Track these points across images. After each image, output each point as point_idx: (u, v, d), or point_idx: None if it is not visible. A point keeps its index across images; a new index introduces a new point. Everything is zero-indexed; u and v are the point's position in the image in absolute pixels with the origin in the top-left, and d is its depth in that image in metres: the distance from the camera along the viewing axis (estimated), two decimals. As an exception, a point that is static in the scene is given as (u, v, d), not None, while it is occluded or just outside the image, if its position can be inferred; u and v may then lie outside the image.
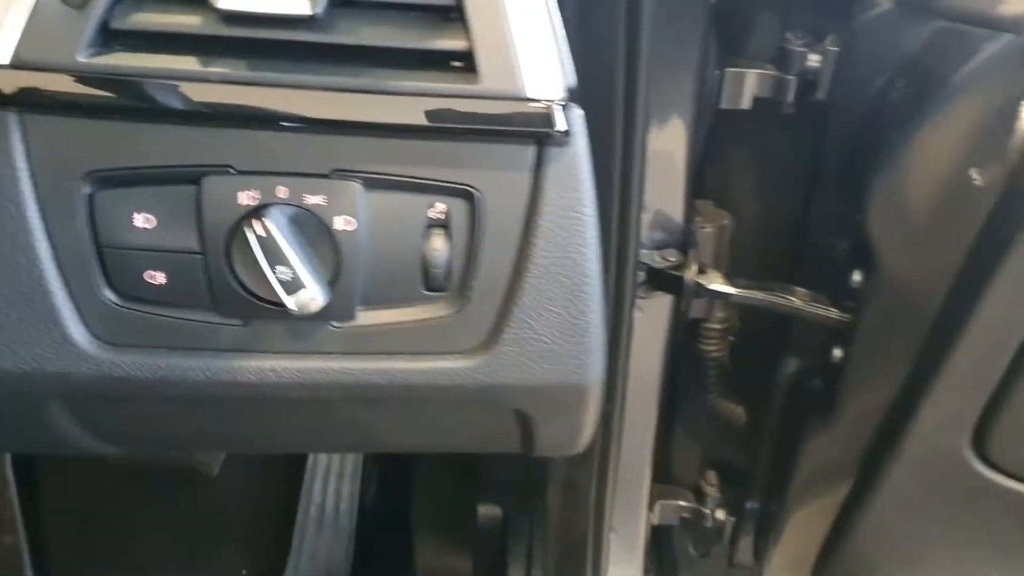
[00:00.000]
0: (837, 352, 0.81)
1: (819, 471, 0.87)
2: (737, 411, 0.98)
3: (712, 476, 1.06)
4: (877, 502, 0.80)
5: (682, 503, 1.06)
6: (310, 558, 1.22)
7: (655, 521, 1.08)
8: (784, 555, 0.95)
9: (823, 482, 0.88)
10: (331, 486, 1.21)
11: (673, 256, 0.82)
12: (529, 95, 0.44)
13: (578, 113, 0.45)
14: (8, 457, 1.20)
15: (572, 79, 0.45)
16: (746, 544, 1.03)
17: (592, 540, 0.96)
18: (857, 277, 0.76)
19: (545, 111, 0.44)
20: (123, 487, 1.22)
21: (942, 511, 0.80)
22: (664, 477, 1.06)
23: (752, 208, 0.88)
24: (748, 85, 0.78)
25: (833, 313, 0.80)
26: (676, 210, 0.81)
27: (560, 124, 0.44)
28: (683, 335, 0.91)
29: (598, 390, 0.51)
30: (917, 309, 0.71)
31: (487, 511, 1.02)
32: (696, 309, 0.85)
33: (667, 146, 0.76)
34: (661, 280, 0.83)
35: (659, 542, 1.15)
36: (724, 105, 0.80)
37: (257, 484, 1.22)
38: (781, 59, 0.78)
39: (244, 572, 1.25)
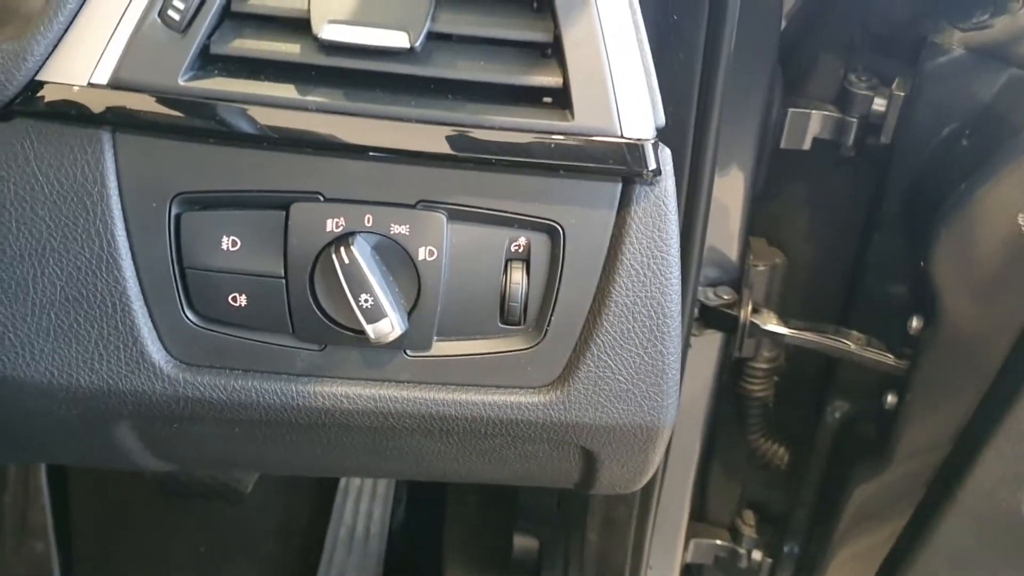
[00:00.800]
0: (891, 398, 0.80)
1: (865, 516, 0.86)
2: (779, 452, 0.97)
3: (749, 516, 1.04)
4: (927, 552, 0.79)
5: (718, 542, 1.05)
6: (338, 579, 1.21)
7: (688, 559, 1.07)
8: (826, 599, 0.94)
9: (869, 527, 0.87)
10: (362, 508, 1.21)
11: (727, 294, 0.82)
12: (622, 133, 0.44)
13: (667, 152, 0.45)
14: (43, 467, 1.21)
15: (661, 118, 0.45)
16: (784, 585, 1.02)
17: (631, 568, 0.95)
18: (916, 323, 0.75)
19: (637, 149, 0.44)
20: (154, 501, 1.22)
21: (994, 563, 0.78)
22: (699, 515, 1.05)
23: (805, 248, 0.88)
24: (810, 126, 0.78)
25: (888, 358, 0.79)
26: (732, 248, 0.81)
27: (651, 163, 0.44)
28: (727, 374, 0.90)
29: (669, 432, 0.51)
30: (979, 358, 0.70)
31: (522, 541, 1.01)
32: (744, 348, 0.85)
33: (727, 184, 0.76)
34: (713, 318, 0.83)
35: (689, 581, 1.14)
36: (784, 145, 0.80)
37: (288, 504, 1.22)
38: (844, 101, 0.78)
39: (270, 592, 1.25)
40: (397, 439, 0.54)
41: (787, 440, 0.96)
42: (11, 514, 1.21)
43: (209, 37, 0.44)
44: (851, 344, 0.80)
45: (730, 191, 0.77)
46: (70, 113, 0.43)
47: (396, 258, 0.46)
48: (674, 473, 0.90)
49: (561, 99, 0.44)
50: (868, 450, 0.84)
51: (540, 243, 0.47)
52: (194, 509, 1.21)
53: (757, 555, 1.03)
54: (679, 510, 0.95)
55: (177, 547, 1.24)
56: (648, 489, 0.88)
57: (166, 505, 1.23)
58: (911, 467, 0.79)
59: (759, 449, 0.97)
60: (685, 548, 1.03)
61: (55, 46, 0.44)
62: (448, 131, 0.44)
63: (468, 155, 0.44)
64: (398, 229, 0.46)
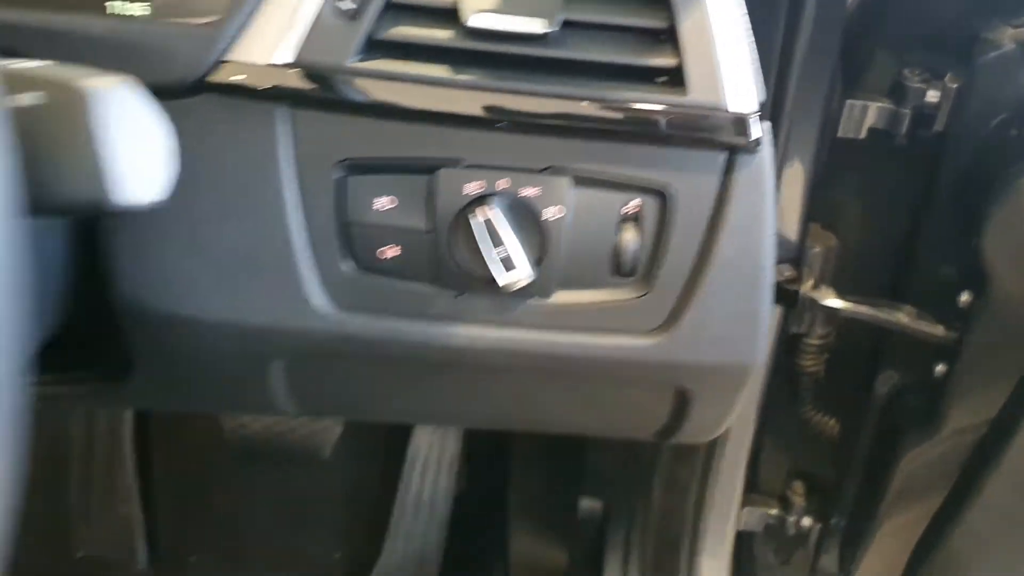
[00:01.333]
0: (940, 368, 0.86)
1: (914, 483, 0.92)
2: (829, 424, 1.03)
3: (799, 486, 1.11)
4: (973, 511, 0.85)
5: (769, 511, 1.11)
6: (404, 544, 1.28)
7: (740, 526, 1.13)
8: (873, 564, 1.00)
9: (917, 493, 0.93)
10: (429, 476, 1.28)
11: (787, 271, 0.89)
12: (728, 108, 0.51)
13: (767, 125, 0.52)
14: (128, 432, 1.29)
15: (762, 95, 0.52)
16: (831, 553, 1.08)
17: (689, 535, 1.02)
18: (965, 297, 0.81)
19: (742, 122, 0.51)
20: (233, 464, 1.30)
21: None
22: (751, 485, 1.12)
23: (858, 231, 0.94)
24: (867, 116, 0.85)
25: (938, 330, 0.85)
26: (792, 229, 0.88)
27: (754, 133, 0.51)
28: (782, 350, 0.96)
29: (759, 372, 0.57)
30: (1026, 328, 0.76)
31: (588, 504, 1.08)
32: (801, 324, 0.91)
33: (792, 169, 0.83)
34: (776, 292, 0.89)
35: (739, 548, 1.20)
36: (841, 134, 0.86)
37: (359, 470, 1.29)
38: (898, 93, 0.85)
39: (337, 555, 1.32)
40: (516, 382, 0.61)
41: (837, 413, 1.02)
42: (99, 479, 1.29)
43: (375, 25, 0.51)
44: (903, 317, 0.87)
45: (794, 176, 0.84)
46: (255, 88, 0.51)
47: (526, 216, 0.53)
48: (732, 441, 0.96)
49: (675, 78, 0.51)
50: (917, 420, 0.91)
51: (651, 205, 0.54)
52: (271, 472, 1.28)
53: (806, 522, 1.09)
54: (735, 476, 1.02)
55: (253, 510, 1.31)
56: (710, 452, 0.94)
57: (244, 470, 1.30)
58: (960, 433, 0.85)
59: (810, 421, 1.03)
60: (738, 515, 1.10)
61: (242, 30, 0.51)
62: (576, 105, 0.51)
63: (592, 126, 0.51)
64: (528, 191, 0.53)
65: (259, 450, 1.22)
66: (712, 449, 0.94)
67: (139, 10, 0.51)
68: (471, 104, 0.51)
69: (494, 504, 1.21)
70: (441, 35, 0.52)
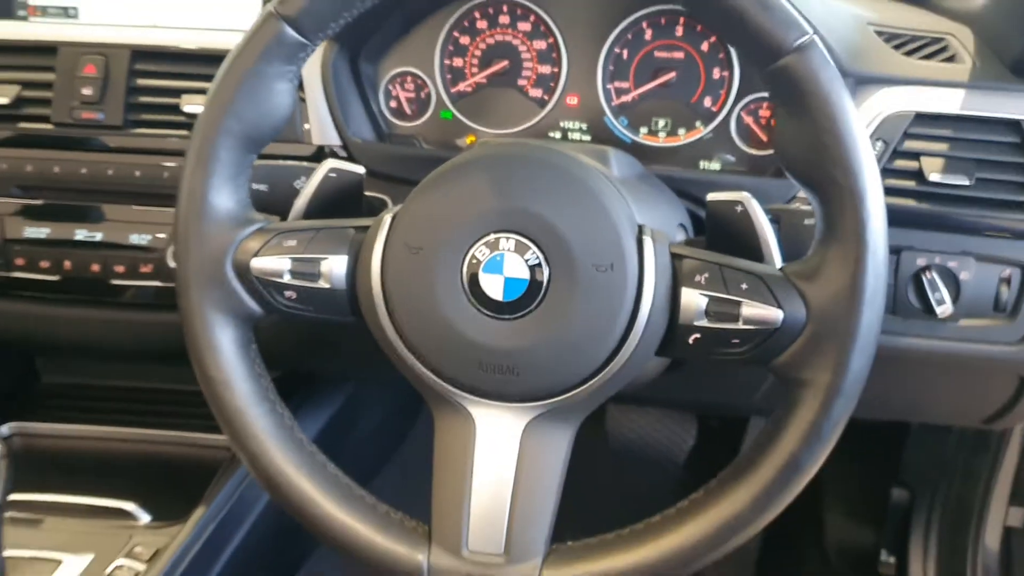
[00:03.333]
0: None
1: None
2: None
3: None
4: None
5: (1030, 511, 1.50)
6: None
7: (1005, 522, 1.53)
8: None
9: None
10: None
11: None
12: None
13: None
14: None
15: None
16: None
17: (976, 519, 1.43)
18: None
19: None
20: (610, 464, 1.77)
21: None
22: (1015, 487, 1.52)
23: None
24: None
25: None
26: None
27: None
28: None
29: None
30: None
31: (898, 493, 1.51)
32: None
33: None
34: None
35: (1003, 541, 1.59)
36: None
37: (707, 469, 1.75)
38: None
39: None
40: (895, 371, 1.07)
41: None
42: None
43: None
44: None
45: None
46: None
47: (950, 277, 1.01)
48: (1011, 446, 1.39)
49: (1036, 207, 0.99)
50: None
51: (1017, 272, 1.01)
52: (639, 474, 1.75)
53: (1065, 522, 1.47)
54: (1009, 474, 1.44)
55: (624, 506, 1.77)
56: (997, 448, 1.37)
57: (616, 468, 1.77)
58: None
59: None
60: (1006, 511, 1.50)
61: None
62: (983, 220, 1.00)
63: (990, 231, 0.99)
64: (951, 263, 1.01)
65: (633, 448, 1.70)
66: (999, 447, 1.37)
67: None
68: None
69: (807, 498, 1.65)
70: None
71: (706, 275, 0.73)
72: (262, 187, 1.05)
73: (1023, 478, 1.49)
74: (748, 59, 1.06)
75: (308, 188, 0.86)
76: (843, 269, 0.69)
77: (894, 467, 1.53)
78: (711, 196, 0.82)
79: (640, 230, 0.74)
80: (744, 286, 0.72)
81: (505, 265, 0.73)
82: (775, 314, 0.71)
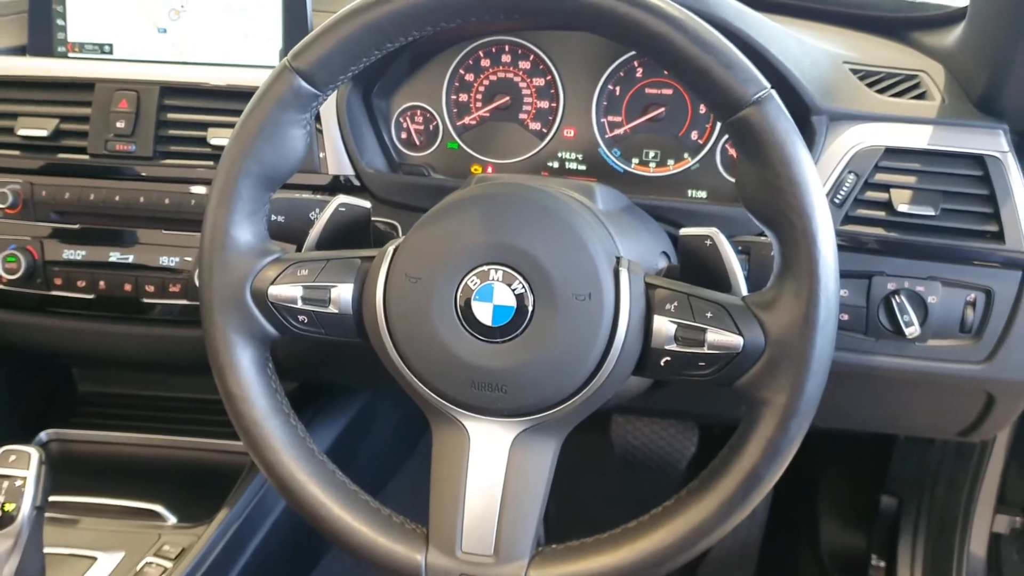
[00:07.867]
0: None
1: None
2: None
3: (1041, 499, 1.56)
4: None
5: (1017, 518, 1.56)
6: (729, 536, 1.81)
7: (993, 528, 1.59)
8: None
9: None
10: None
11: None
12: (1027, 250, 1.05)
13: (1045, 259, 1.06)
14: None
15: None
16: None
17: (960, 525, 1.50)
18: None
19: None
20: (612, 471, 1.85)
21: None
22: (1000, 495, 1.58)
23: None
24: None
25: None
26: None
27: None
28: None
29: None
30: None
31: (887, 500, 1.58)
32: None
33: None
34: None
35: (989, 547, 1.64)
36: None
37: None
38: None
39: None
40: (870, 387, 1.14)
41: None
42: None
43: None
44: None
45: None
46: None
47: (918, 301, 1.08)
48: (995, 453, 1.45)
49: (998, 236, 1.05)
50: None
51: (981, 296, 1.07)
52: (643, 480, 1.82)
53: (1049, 528, 1.53)
54: (995, 481, 1.50)
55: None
56: (980, 459, 1.44)
57: (620, 474, 1.85)
58: None
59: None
60: (992, 518, 1.56)
61: None
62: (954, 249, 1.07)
63: (956, 258, 1.06)
64: (919, 287, 1.08)
65: (637, 458, 1.78)
66: (982, 457, 1.43)
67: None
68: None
69: (805, 501, 1.72)
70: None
71: (675, 304, 0.80)
72: (280, 218, 1.14)
73: (1008, 485, 1.55)
74: (711, 110, 1.14)
75: (320, 221, 0.95)
76: (798, 301, 0.77)
77: (883, 476, 1.60)
78: (683, 231, 0.90)
79: (618, 262, 0.81)
80: (709, 314, 0.80)
81: (495, 294, 0.80)
82: (736, 340, 0.79)
